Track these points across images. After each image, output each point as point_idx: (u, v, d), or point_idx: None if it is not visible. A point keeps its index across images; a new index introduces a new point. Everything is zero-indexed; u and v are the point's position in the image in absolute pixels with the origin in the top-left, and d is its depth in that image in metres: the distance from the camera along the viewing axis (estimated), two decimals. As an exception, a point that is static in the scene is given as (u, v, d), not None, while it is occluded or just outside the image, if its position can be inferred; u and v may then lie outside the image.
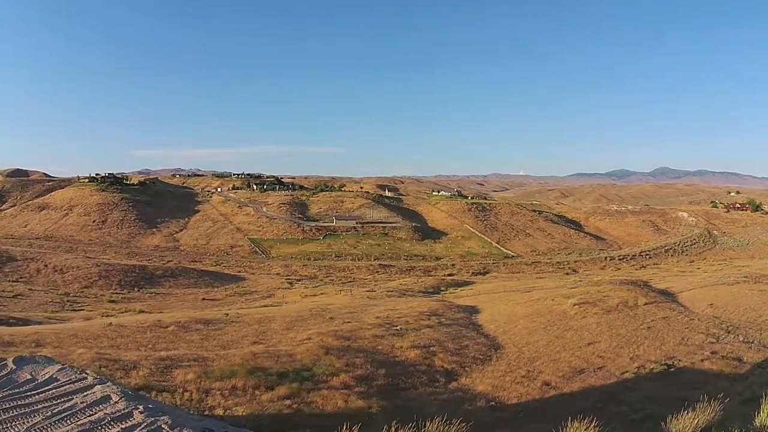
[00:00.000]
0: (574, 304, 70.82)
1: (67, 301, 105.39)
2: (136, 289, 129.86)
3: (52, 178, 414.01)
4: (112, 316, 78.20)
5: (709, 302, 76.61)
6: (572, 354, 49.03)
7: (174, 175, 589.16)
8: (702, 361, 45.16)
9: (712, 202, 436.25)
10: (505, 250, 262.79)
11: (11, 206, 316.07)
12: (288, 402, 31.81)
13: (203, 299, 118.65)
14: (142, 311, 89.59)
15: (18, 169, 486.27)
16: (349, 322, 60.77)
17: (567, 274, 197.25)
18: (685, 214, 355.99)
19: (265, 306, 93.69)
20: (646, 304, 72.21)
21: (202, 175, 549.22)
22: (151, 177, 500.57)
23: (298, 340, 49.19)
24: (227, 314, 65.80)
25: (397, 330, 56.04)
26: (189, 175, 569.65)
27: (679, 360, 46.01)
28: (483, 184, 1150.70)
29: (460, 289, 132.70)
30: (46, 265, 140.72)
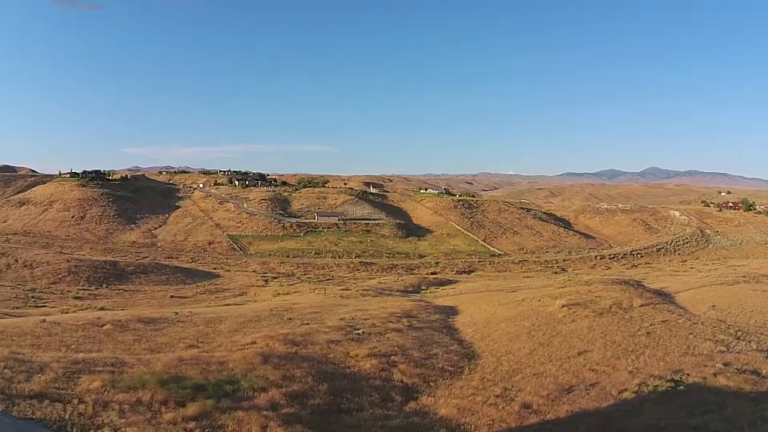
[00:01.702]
0: (563, 306, 64.54)
1: (32, 297, 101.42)
2: (104, 285, 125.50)
3: (35, 174, 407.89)
4: (71, 312, 74.94)
5: (710, 304, 70.69)
6: (559, 366, 42.11)
7: (161, 172, 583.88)
8: (714, 375, 38.19)
9: (703, 201, 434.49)
10: (491, 248, 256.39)
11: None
12: (191, 425, 25.42)
13: (172, 296, 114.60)
14: (104, 308, 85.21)
15: (6, 165, 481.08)
16: (307, 323, 54.52)
17: (555, 273, 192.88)
18: (677, 213, 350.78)
19: (227, 305, 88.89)
20: (642, 305, 66.13)
21: (190, 172, 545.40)
22: (137, 174, 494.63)
23: (240, 345, 43.40)
24: (177, 313, 60.73)
25: (357, 334, 49.36)
26: (176, 172, 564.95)
27: (687, 374, 39.10)
28: (472, 183, 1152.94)
29: (441, 288, 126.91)
30: (16, 260, 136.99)
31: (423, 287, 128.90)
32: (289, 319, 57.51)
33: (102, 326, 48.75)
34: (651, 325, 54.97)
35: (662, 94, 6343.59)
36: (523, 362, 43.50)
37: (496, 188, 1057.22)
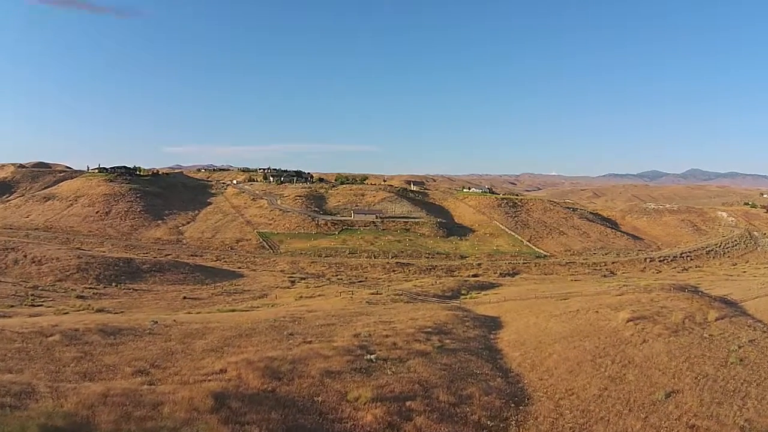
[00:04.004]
0: (628, 321, 52.75)
1: (31, 295, 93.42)
2: (114, 284, 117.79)
3: (65, 170, 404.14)
4: (65, 314, 68.10)
5: (790, 316, 59.70)
6: (645, 420, 29.71)
7: (199, 170, 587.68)
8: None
9: (746, 202, 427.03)
10: (536, 249, 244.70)
11: (19, 196, 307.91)
12: None
13: (185, 298, 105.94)
14: (101, 310, 77.82)
15: (40, 162, 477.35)
16: (309, 342, 42.89)
17: (604, 276, 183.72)
18: (725, 214, 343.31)
19: (233, 310, 78.19)
20: (717, 319, 54.33)
21: (229, 170, 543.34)
22: (175, 171, 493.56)
23: (204, 374, 32.16)
24: (156, 322, 49.34)
25: (369, 360, 37.19)
26: (215, 170, 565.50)
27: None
28: (515, 184, 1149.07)
29: (483, 293, 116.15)
30: (25, 256, 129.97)
31: (462, 291, 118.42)
32: (290, 334, 45.82)
33: (49, 337, 39.08)
34: (739, 347, 43.09)
35: (704, 96, 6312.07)
36: (593, 411, 31.31)
37: (539, 188, 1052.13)
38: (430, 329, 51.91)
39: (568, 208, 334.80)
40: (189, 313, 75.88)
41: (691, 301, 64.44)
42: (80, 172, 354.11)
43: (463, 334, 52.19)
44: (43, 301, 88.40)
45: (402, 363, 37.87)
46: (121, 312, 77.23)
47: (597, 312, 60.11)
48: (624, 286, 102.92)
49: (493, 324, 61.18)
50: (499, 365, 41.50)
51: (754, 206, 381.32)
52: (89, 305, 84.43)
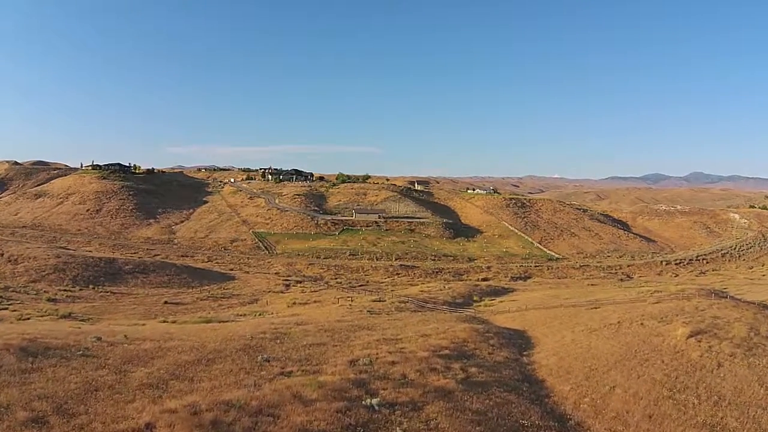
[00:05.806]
0: (688, 336, 43.43)
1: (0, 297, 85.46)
2: (91, 285, 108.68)
3: (60, 167, 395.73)
4: (27, 319, 64.32)
5: None
6: None
7: (199, 169, 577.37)
8: None
9: (751, 205, 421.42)
10: (548, 251, 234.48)
11: (10, 194, 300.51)
12: None
13: (166, 302, 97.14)
14: (68, 316, 72.93)
15: (39, 161, 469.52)
16: (288, 373, 31.77)
17: (621, 280, 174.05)
18: (737, 216, 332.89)
19: (207, 321, 67.31)
20: None
21: (230, 170, 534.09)
22: (175, 170, 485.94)
23: (120, 430, 21.25)
24: (99, 338, 38.05)
25: (370, 407, 25.74)
26: (215, 170, 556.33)
27: None
28: (518, 186, 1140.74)
29: (498, 299, 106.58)
30: (1, 254, 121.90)
31: (474, 298, 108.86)
32: (266, 360, 34.40)
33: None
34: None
35: (707, 99, 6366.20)
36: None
37: (542, 191, 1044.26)
38: (447, 351, 40.95)
39: (578, 209, 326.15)
40: (164, 321, 68.81)
41: (741, 310, 56.90)
42: (75, 170, 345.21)
43: (490, 357, 41.30)
44: (9, 304, 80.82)
45: (417, 412, 26.44)
46: (90, 318, 71.39)
47: (642, 324, 50.95)
48: (657, 292, 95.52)
49: (522, 341, 50.81)
50: (549, 407, 30.32)
51: (765, 208, 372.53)
52: (56, 310, 77.72)
